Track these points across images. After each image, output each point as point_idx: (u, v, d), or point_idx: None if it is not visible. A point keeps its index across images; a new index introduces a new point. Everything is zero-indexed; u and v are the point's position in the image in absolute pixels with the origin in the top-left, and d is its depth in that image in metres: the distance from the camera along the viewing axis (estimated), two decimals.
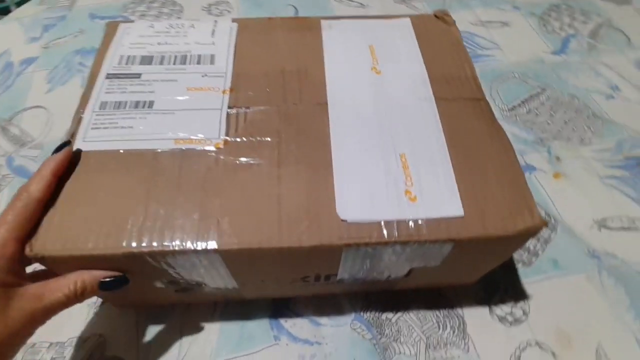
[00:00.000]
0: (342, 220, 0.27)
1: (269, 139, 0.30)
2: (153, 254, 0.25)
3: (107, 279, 0.27)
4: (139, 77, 0.33)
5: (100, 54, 0.35)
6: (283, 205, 0.27)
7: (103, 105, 0.31)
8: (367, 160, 0.29)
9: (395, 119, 0.31)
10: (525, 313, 0.37)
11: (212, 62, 0.34)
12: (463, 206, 0.27)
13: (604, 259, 0.40)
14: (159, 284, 0.30)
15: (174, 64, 0.34)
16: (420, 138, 0.30)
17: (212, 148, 0.30)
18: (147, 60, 0.34)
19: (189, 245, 0.26)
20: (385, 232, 0.26)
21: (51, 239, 0.25)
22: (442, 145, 0.30)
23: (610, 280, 0.39)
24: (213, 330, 0.36)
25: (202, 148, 0.30)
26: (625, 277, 0.39)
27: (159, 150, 0.29)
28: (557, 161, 0.47)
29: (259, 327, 0.37)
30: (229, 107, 0.32)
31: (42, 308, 0.25)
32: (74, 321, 0.37)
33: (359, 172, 0.29)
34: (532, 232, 0.27)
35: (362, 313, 0.37)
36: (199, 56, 0.35)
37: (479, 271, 0.34)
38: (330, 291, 0.37)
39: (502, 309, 0.38)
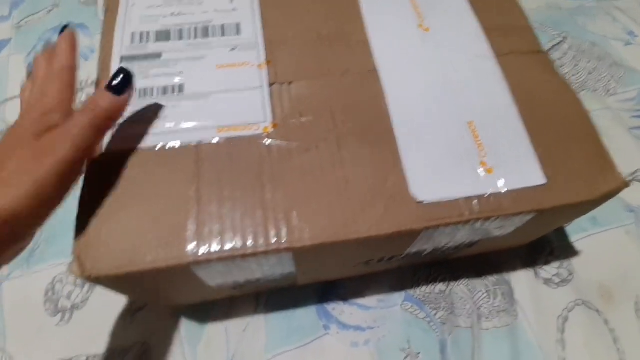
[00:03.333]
0: (419, 202, 0.25)
1: (321, 118, 0.27)
2: (222, 259, 0.23)
3: (111, 81, 0.24)
4: (159, 58, 0.29)
5: (107, 32, 0.30)
6: (352, 190, 0.25)
7: None
8: (434, 132, 0.27)
9: (455, 83, 0.28)
10: (570, 273, 0.37)
11: (238, 32, 0.30)
12: (543, 172, 0.25)
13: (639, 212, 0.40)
14: (217, 286, 0.28)
15: (196, 37, 0.30)
16: (486, 102, 0.28)
17: (261, 133, 0.26)
18: (163, 35, 0.30)
19: (260, 246, 0.23)
20: (465, 210, 0.25)
21: (104, 257, 0.22)
22: (511, 108, 0.27)
23: None
24: (260, 324, 0.35)
25: (250, 134, 0.26)
26: None
27: (202, 142, 0.26)
28: None
29: (306, 316, 0.35)
30: (270, 84, 0.28)
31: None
32: (107, 332, 0.34)
33: (427, 146, 0.26)
34: (614, 193, 0.26)
35: (412, 291, 0.36)
36: (223, 26, 0.30)
37: (540, 234, 0.34)
38: (385, 268, 0.35)
39: (547, 271, 0.38)
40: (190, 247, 0.23)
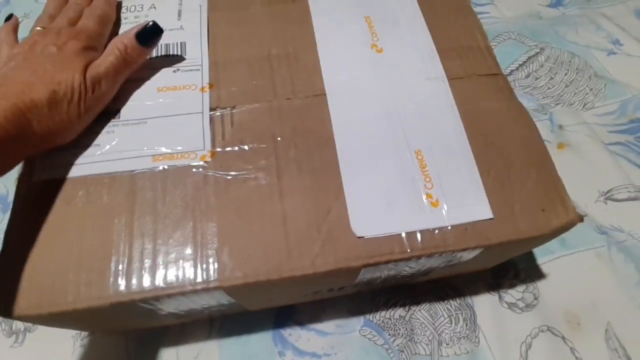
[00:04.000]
0: (359, 237, 0.23)
1: (263, 145, 0.26)
2: (145, 300, 0.22)
3: (140, 32, 0.27)
4: None
5: None
6: (289, 224, 0.24)
7: None
8: (379, 161, 0.26)
9: (405, 108, 0.27)
10: (535, 297, 0.36)
11: (183, 51, 0.29)
12: (491, 206, 0.24)
13: (612, 234, 0.39)
14: (153, 319, 0.27)
15: None
16: (436, 129, 0.26)
17: (198, 162, 0.25)
18: None
19: (187, 285, 0.22)
20: (407, 246, 0.23)
21: (25, 296, 0.21)
22: (461, 136, 0.26)
23: (620, 256, 0.38)
24: (213, 350, 0.34)
25: (186, 163, 0.25)
26: (634, 252, 0.38)
27: (136, 171, 0.25)
28: (560, 130, 0.44)
29: (261, 342, 0.34)
30: (212, 109, 0.27)
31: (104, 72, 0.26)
32: (60, 354, 0.34)
33: (372, 176, 0.25)
34: (567, 228, 0.24)
35: (370, 316, 0.35)
36: (167, 45, 0.29)
37: (500, 260, 0.33)
38: (339, 295, 0.34)
39: (512, 295, 0.36)
40: (115, 286, 0.22)
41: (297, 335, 0.34)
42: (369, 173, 0.25)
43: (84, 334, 0.34)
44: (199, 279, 0.22)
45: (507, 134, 0.26)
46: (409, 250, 0.23)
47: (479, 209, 0.24)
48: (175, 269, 0.22)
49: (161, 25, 0.27)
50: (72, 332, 0.34)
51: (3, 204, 0.40)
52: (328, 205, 0.24)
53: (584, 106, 0.46)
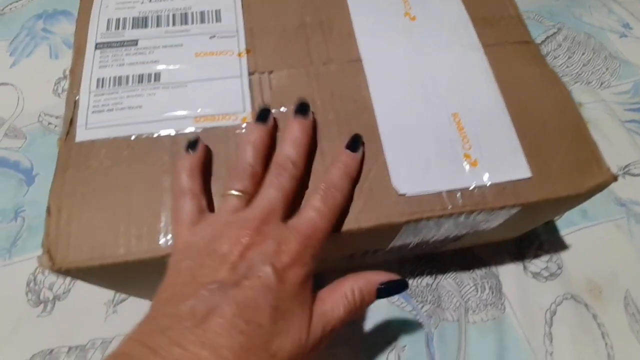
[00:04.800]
0: (400, 195, 0.24)
1: None
2: None
3: (385, 285, 0.22)
4: (135, 45, 0.28)
5: (82, 19, 0.29)
6: None
7: (100, 83, 0.26)
8: (417, 123, 0.26)
9: (440, 73, 0.28)
10: (559, 267, 0.37)
11: (218, 19, 0.29)
12: (529, 166, 0.25)
13: (630, 206, 0.40)
14: None
15: (174, 25, 0.29)
16: (472, 93, 0.27)
17: (240, 123, 0.26)
18: (140, 22, 0.29)
19: None
20: (448, 203, 0.24)
21: (75, 249, 0.22)
22: (497, 100, 0.27)
23: (638, 228, 0.39)
24: None
25: (227, 124, 0.25)
26: None
27: (178, 132, 0.25)
28: (579, 107, 0.45)
29: None
30: (250, 73, 0.27)
31: (335, 323, 0.20)
32: (92, 322, 0.34)
33: (411, 138, 0.26)
34: (602, 188, 0.25)
35: None
36: (202, 13, 0.29)
37: (528, 228, 0.33)
38: (370, 262, 0.35)
39: (536, 265, 0.37)
40: (164, 239, 0.22)
41: None
42: (408, 136, 0.26)
43: (116, 300, 0.35)
44: None
45: (542, 99, 0.27)
46: (449, 207, 0.24)
47: (517, 168, 0.25)
48: None
49: None
50: (103, 300, 0.35)
51: (27, 177, 0.40)
52: (368, 165, 0.25)
53: (601, 85, 0.47)
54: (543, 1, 0.52)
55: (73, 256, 0.22)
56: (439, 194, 0.24)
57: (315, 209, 0.21)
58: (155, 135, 0.25)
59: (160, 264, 0.23)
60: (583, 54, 0.48)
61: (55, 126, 0.42)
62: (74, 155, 0.24)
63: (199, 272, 0.18)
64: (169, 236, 0.22)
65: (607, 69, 0.48)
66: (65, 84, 0.44)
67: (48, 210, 0.23)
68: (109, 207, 0.23)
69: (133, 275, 0.24)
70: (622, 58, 0.49)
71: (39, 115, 0.42)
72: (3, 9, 0.49)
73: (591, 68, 0.48)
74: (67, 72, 0.45)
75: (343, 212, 0.23)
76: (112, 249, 0.22)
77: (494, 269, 0.37)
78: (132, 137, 0.25)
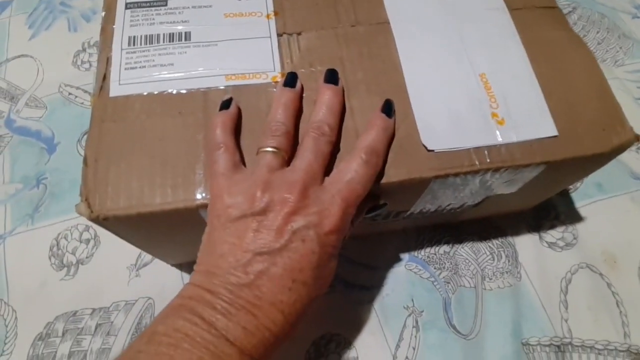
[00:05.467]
0: (429, 151, 0.24)
1: (331, 68, 0.27)
2: None
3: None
4: (165, 5, 0.28)
5: None
6: None
7: (132, 41, 0.27)
8: (445, 83, 0.26)
9: (467, 35, 0.28)
10: (575, 237, 0.38)
11: None
12: (555, 125, 0.25)
13: None
14: None
15: None
16: (498, 54, 0.27)
17: (270, 82, 0.26)
18: None
19: None
20: (476, 159, 0.24)
21: (112, 198, 0.22)
22: (523, 60, 0.27)
23: None
24: None
25: (258, 82, 0.26)
26: None
27: (210, 89, 0.25)
28: None
29: None
30: (278, 35, 0.28)
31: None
32: (115, 285, 0.35)
33: (438, 96, 0.26)
34: (625, 147, 0.25)
35: (415, 253, 0.36)
36: None
37: (546, 195, 0.34)
38: (390, 228, 0.35)
39: (552, 235, 0.38)
40: (199, 190, 0.23)
41: (345, 268, 0.35)
42: (436, 95, 0.26)
43: (139, 264, 0.35)
44: None
45: (568, 61, 0.27)
46: (477, 164, 0.24)
47: (543, 126, 0.25)
48: None
49: None
50: (126, 264, 0.35)
51: (49, 146, 0.40)
52: (397, 123, 0.25)
53: (615, 63, 0.47)
54: None
55: (110, 204, 0.22)
56: (467, 150, 0.25)
57: (357, 174, 0.22)
58: (187, 91, 0.25)
59: (195, 217, 0.23)
60: (597, 32, 0.49)
61: (76, 97, 0.42)
62: (109, 108, 0.25)
63: (244, 235, 0.20)
64: (204, 187, 0.23)
65: (620, 47, 0.48)
66: (85, 56, 0.44)
67: (85, 161, 0.23)
68: (145, 157, 0.23)
69: (166, 228, 0.25)
70: (635, 38, 0.49)
71: (59, 86, 0.43)
72: None
73: (605, 46, 0.48)
74: (87, 46, 0.45)
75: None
76: (149, 198, 0.22)
77: (510, 238, 0.37)
78: (165, 93, 0.25)
